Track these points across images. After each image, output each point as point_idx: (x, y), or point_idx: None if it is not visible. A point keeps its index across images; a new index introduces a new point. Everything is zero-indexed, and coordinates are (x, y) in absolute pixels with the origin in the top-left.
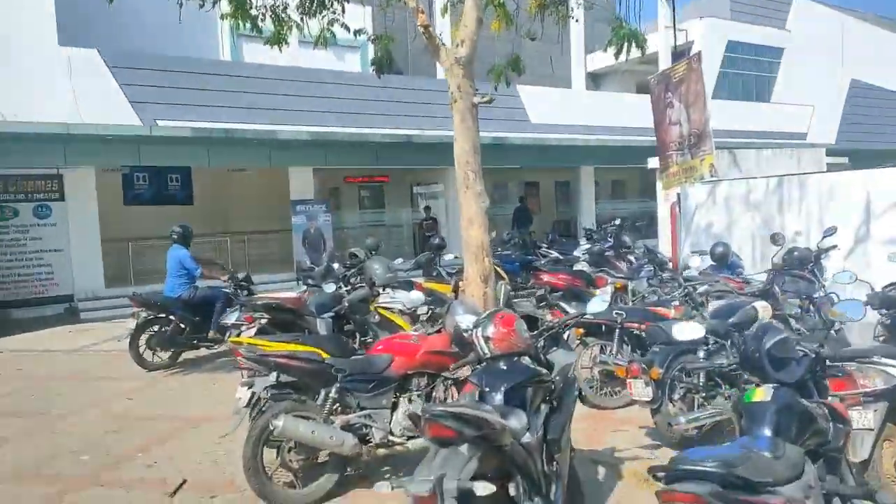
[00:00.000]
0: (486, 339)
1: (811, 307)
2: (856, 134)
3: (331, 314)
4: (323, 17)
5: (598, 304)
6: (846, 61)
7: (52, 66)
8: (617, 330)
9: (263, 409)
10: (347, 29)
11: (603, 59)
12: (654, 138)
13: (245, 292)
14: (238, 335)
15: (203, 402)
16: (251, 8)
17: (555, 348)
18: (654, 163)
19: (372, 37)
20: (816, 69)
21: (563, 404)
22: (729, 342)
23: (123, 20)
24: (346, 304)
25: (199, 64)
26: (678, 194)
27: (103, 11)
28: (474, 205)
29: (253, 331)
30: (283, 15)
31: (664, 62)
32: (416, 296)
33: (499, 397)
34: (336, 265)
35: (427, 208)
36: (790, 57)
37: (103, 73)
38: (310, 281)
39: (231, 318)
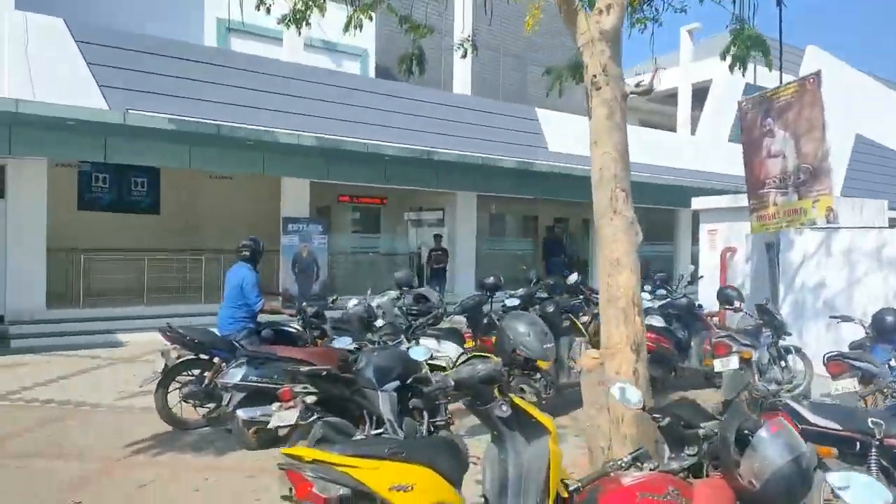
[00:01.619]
0: None
1: None
2: (859, 191)
3: (396, 383)
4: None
5: None
6: (851, 115)
7: (3, 33)
8: (873, 448)
9: None
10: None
11: None
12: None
13: (316, 332)
14: (265, 427)
15: None
16: None
17: None
18: (699, 204)
19: (406, 26)
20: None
21: None
22: None
23: None
24: (464, 381)
25: (184, 49)
26: (746, 237)
27: None
28: (624, 239)
29: (294, 413)
30: None
31: (684, 101)
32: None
33: None
34: (358, 305)
35: (437, 237)
36: None
37: (67, 48)
38: (315, 321)
39: (234, 375)
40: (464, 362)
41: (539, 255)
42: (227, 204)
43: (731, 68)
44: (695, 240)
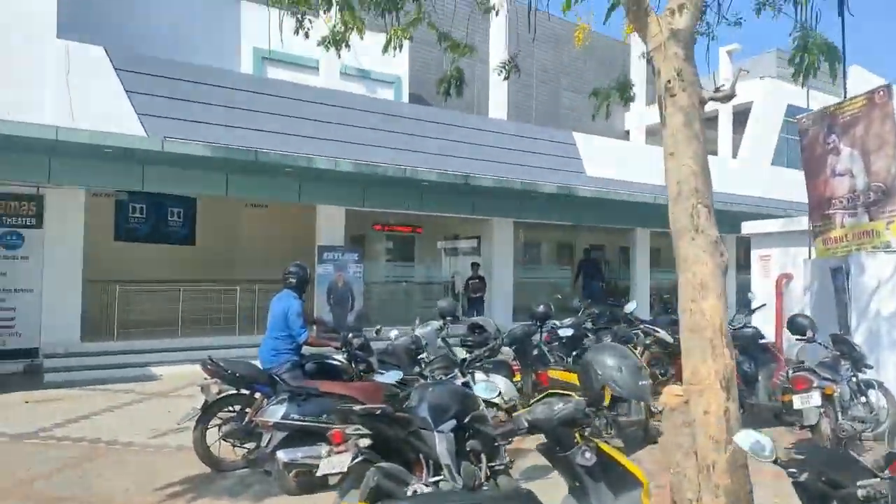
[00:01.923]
0: None
1: None
2: None
3: (452, 423)
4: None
5: None
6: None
7: (45, 61)
8: None
9: None
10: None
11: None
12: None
13: (362, 366)
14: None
15: None
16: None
17: None
18: (750, 228)
19: (447, 44)
20: None
21: None
22: None
23: (133, 24)
24: (541, 423)
25: (221, 76)
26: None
27: (111, 9)
28: (709, 261)
29: (346, 458)
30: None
31: (724, 122)
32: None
33: None
34: (404, 336)
35: (475, 265)
36: None
37: (107, 75)
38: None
39: (274, 413)
40: (538, 400)
41: (577, 284)
42: (263, 234)
43: (794, 77)
44: (740, 266)
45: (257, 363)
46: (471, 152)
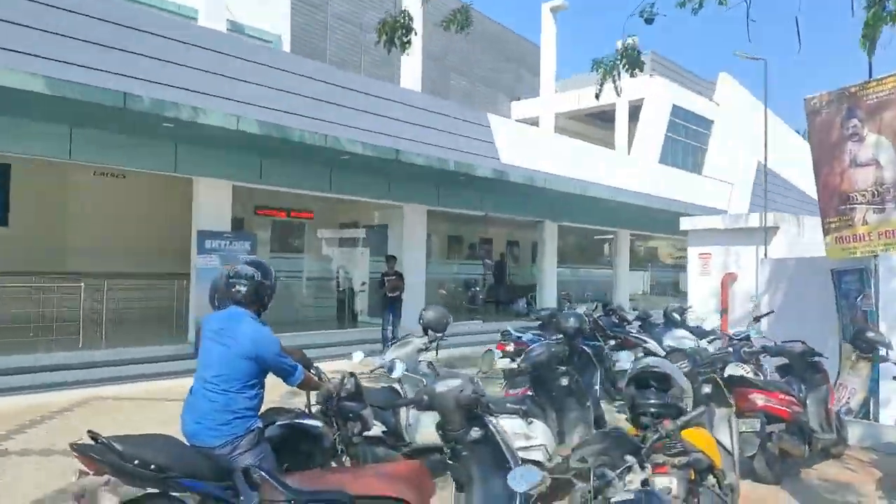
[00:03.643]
0: None
1: None
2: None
3: None
4: None
5: None
6: (754, 144)
7: None
8: None
9: None
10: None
11: (528, 107)
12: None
13: (356, 427)
14: None
15: None
16: None
17: None
18: (688, 224)
19: None
20: (733, 145)
21: None
22: None
23: None
24: None
25: None
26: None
27: None
28: None
29: None
30: None
31: (621, 117)
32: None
33: None
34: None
35: (391, 258)
36: (717, 130)
37: None
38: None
39: None
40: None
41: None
42: (116, 212)
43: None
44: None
45: (182, 439)
46: (386, 127)
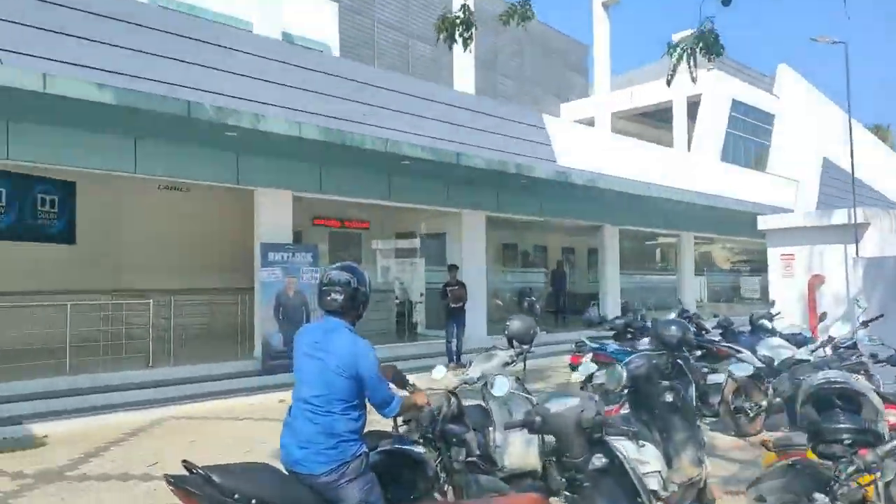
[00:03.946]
0: None
1: None
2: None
3: None
4: None
5: None
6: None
7: None
8: None
9: None
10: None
11: (580, 108)
12: None
13: (461, 455)
14: None
15: None
16: None
17: None
18: (767, 223)
19: None
20: (797, 140)
21: None
22: None
23: None
24: None
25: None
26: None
27: None
28: None
29: None
30: None
31: (679, 115)
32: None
33: None
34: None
35: (452, 267)
36: (779, 125)
37: None
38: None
39: None
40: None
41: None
42: (177, 229)
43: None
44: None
45: (280, 467)
46: (444, 131)
